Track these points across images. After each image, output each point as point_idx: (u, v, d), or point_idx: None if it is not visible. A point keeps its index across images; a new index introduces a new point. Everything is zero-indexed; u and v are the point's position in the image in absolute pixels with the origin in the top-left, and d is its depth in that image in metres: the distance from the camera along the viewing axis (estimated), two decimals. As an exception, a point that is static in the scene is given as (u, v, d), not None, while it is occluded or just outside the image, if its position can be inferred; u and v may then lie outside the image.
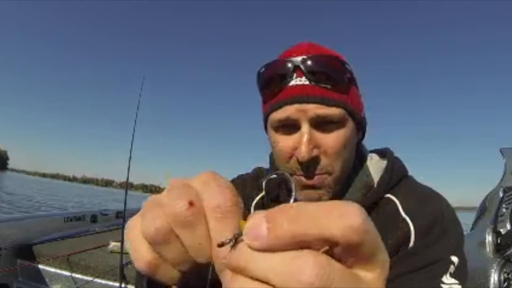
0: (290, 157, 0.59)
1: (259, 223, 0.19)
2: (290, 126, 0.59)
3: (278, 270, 0.18)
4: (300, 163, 0.58)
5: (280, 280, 0.18)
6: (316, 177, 0.59)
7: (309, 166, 0.58)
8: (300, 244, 0.18)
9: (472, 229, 1.81)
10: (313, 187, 0.59)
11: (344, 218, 0.18)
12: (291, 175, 0.61)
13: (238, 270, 0.20)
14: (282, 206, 0.19)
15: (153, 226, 0.24)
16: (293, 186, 0.51)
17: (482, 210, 1.80)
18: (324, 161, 0.58)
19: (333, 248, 0.18)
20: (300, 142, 0.57)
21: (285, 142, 0.60)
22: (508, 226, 1.56)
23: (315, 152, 0.57)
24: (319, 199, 0.60)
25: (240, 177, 0.82)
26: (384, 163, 0.67)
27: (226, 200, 0.23)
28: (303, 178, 0.59)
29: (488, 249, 1.53)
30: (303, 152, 0.56)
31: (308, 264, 0.17)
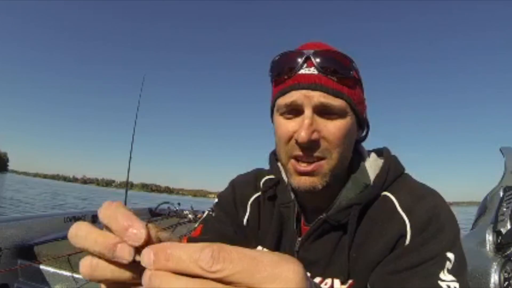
0: (290, 139, 0.61)
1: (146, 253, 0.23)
2: (294, 111, 0.62)
3: None
4: (299, 144, 0.59)
5: None
6: (313, 165, 0.60)
7: (308, 148, 0.59)
8: None
9: (472, 228, 1.81)
10: (308, 173, 0.61)
11: None
12: (289, 158, 0.62)
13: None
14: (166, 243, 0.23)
15: None
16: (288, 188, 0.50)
17: (482, 210, 1.80)
18: (323, 145, 0.60)
19: None
20: (301, 125, 0.59)
21: (287, 124, 0.62)
22: (509, 225, 1.57)
23: (315, 135, 0.59)
24: (312, 186, 0.61)
25: (240, 177, 0.83)
26: (380, 161, 0.69)
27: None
28: (298, 166, 0.61)
29: (488, 248, 1.54)
30: (303, 133, 0.58)
31: None
